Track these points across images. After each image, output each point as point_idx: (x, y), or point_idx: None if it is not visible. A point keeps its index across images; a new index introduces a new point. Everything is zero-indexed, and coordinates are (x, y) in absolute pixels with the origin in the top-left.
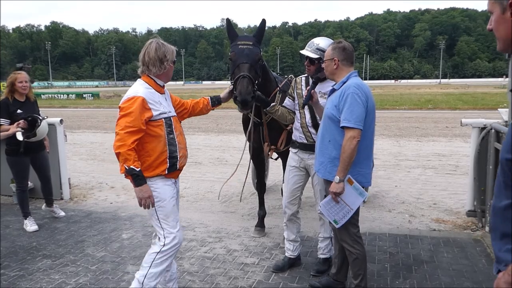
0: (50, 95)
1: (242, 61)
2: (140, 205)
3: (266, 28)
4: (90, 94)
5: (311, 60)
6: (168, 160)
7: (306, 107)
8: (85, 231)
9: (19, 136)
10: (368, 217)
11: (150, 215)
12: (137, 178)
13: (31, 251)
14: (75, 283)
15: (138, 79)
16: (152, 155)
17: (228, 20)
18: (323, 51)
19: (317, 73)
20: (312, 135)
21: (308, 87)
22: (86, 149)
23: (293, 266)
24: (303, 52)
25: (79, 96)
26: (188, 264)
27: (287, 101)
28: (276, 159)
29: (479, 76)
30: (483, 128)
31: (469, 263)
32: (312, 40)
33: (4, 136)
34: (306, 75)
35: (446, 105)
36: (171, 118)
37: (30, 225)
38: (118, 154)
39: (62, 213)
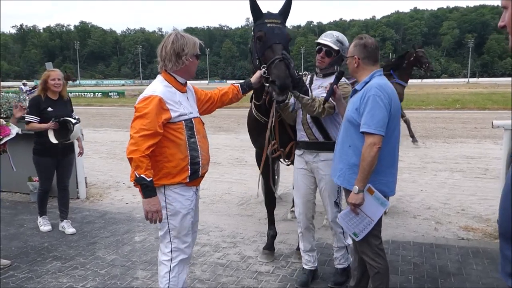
0: (77, 93)
1: (275, 41)
2: (147, 218)
3: (291, 27)
4: (116, 93)
5: (328, 51)
6: (189, 166)
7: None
8: (98, 232)
9: (53, 139)
10: (392, 224)
11: (162, 225)
12: (147, 189)
13: (42, 252)
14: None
15: (158, 76)
16: (172, 161)
17: None
18: (342, 44)
19: (331, 67)
20: (314, 133)
21: (331, 82)
22: (106, 148)
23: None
24: (321, 41)
25: (105, 94)
26: (200, 270)
27: (292, 99)
28: (288, 164)
29: (510, 75)
30: None
31: (500, 277)
32: (329, 32)
33: (35, 129)
34: (310, 74)
35: (475, 105)
36: (192, 120)
37: (44, 225)
38: (130, 160)
39: (72, 230)
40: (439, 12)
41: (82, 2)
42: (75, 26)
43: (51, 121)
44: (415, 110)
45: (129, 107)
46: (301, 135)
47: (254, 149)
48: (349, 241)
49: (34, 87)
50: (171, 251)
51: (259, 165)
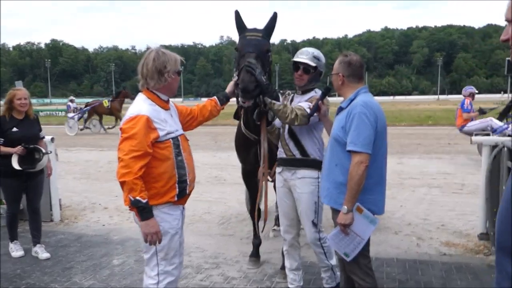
0: (48, 112)
1: (249, 50)
2: (146, 241)
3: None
4: None
5: (306, 69)
6: (177, 185)
7: None
8: (74, 257)
9: (15, 165)
10: (374, 240)
11: (147, 248)
12: (144, 211)
13: (14, 280)
14: None
15: (139, 94)
16: (160, 181)
17: (237, 12)
18: (318, 59)
19: (310, 83)
20: (291, 148)
21: (317, 97)
22: (80, 168)
23: None
24: (298, 59)
25: None
26: None
27: (276, 121)
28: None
29: (478, 93)
30: (494, 146)
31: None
32: (304, 49)
33: None
34: (292, 93)
35: (447, 121)
36: (179, 137)
37: (16, 250)
38: (122, 183)
39: (46, 255)
40: (409, 31)
41: (54, 19)
42: (46, 44)
43: (19, 146)
44: (389, 126)
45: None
46: (280, 152)
47: (233, 167)
48: (333, 261)
49: (87, 104)
50: (157, 274)
51: (245, 181)
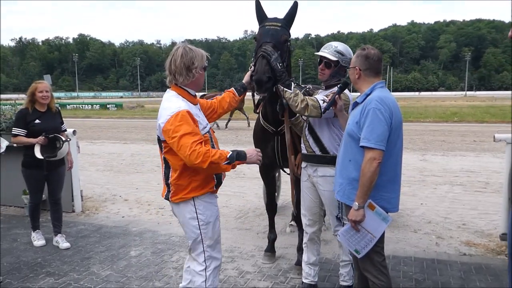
0: (75, 105)
1: (266, 40)
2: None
3: (290, 39)
4: (114, 105)
5: (327, 63)
6: (215, 176)
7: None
8: (93, 247)
9: (38, 154)
10: (392, 238)
11: (193, 239)
12: (240, 157)
13: (35, 268)
14: None
15: (169, 90)
16: (201, 173)
17: (257, 2)
18: (342, 54)
19: (333, 78)
20: (310, 144)
21: (334, 92)
22: (103, 160)
23: None
24: (319, 53)
25: (103, 106)
26: None
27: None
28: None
29: (506, 89)
30: None
31: None
32: (329, 43)
33: (22, 142)
34: (317, 86)
35: (473, 118)
36: (210, 130)
37: (37, 239)
38: (209, 167)
39: (66, 245)
40: (436, 26)
41: (81, 14)
42: (73, 39)
43: (41, 136)
44: (413, 122)
45: (127, 119)
46: (302, 147)
47: None
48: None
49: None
50: (205, 260)
51: (263, 175)
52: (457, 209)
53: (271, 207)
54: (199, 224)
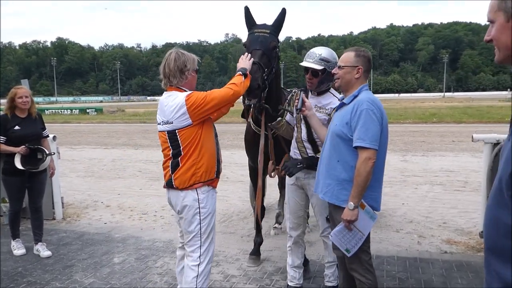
0: (53, 110)
1: (255, 47)
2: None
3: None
4: (94, 109)
5: (313, 72)
6: (216, 163)
7: (302, 121)
8: (75, 255)
9: (18, 164)
10: (375, 238)
11: (191, 232)
12: (245, 69)
13: (16, 278)
14: None
15: (166, 91)
16: (206, 156)
17: (246, 8)
18: (327, 61)
19: (320, 86)
20: (307, 150)
21: (300, 96)
22: (84, 166)
23: None
24: (304, 64)
25: (83, 111)
26: None
27: (288, 116)
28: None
29: (483, 90)
30: (495, 144)
31: None
32: (311, 51)
33: (1, 150)
34: (303, 88)
35: (451, 118)
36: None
37: (17, 248)
38: (244, 86)
39: (47, 253)
40: (414, 28)
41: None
42: (52, 43)
43: (23, 146)
44: (393, 124)
45: (108, 123)
46: (295, 153)
47: (235, 165)
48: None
49: None
50: (200, 255)
51: (253, 179)
52: (438, 208)
53: (260, 210)
54: (200, 217)
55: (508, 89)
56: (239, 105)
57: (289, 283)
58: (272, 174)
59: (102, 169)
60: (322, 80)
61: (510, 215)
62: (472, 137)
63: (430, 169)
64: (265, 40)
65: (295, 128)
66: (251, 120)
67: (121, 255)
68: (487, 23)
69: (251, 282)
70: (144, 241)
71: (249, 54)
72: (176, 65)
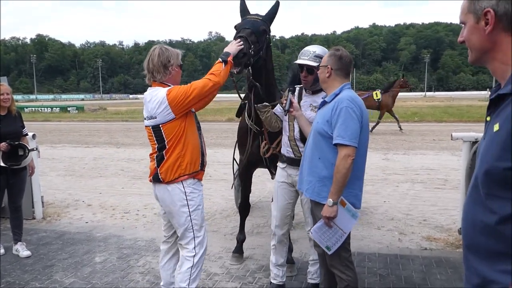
0: (33, 108)
1: (245, 27)
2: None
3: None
4: (75, 107)
5: (309, 69)
6: (200, 156)
7: (295, 120)
8: (55, 254)
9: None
10: (357, 235)
11: (182, 226)
12: (227, 56)
13: None
14: None
15: (151, 87)
16: (190, 149)
17: (242, 1)
18: (321, 58)
19: (316, 84)
20: (300, 149)
21: (288, 97)
22: (64, 165)
23: None
24: (299, 62)
25: (63, 109)
26: None
27: (278, 108)
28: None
29: (463, 89)
30: (474, 142)
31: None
32: (306, 48)
33: None
34: (299, 86)
35: (432, 117)
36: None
37: None
38: (224, 76)
39: (27, 253)
40: (396, 28)
41: (39, 14)
42: (31, 39)
43: (4, 143)
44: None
45: (89, 122)
46: (287, 151)
47: (218, 163)
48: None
49: None
50: (194, 247)
51: (243, 175)
52: (418, 205)
53: (245, 207)
54: (189, 211)
55: (488, 89)
56: (234, 103)
57: (272, 281)
58: (267, 154)
59: (84, 168)
60: (317, 77)
61: (486, 212)
62: (451, 135)
63: (411, 167)
64: (256, 23)
65: (287, 126)
66: (245, 114)
67: (103, 254)
68: (461, 24)
69: (233, 280)
70: (126, 240)
71: (239, 39)
72: (159, 61)
